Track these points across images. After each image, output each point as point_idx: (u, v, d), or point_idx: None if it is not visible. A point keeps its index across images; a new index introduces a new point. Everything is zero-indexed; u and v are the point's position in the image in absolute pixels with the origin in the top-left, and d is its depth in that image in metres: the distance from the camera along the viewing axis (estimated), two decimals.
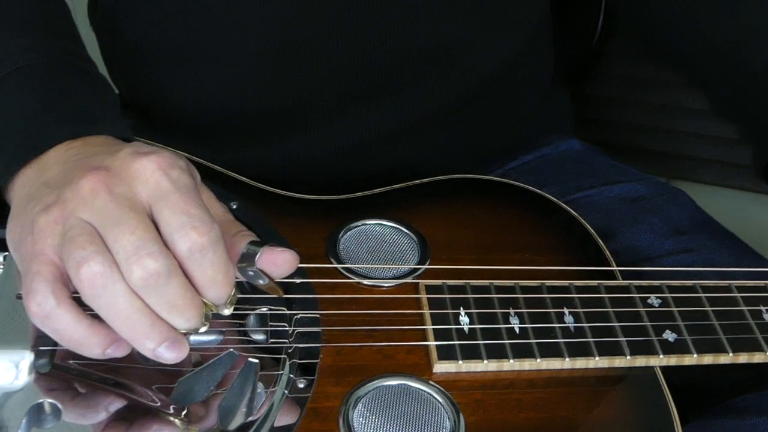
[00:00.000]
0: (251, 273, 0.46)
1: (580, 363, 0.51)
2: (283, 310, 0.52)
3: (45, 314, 0.42)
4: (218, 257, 0.43)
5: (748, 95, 0.66)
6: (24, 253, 0.44)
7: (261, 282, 0.47)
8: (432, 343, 0.51)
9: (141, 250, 0.41)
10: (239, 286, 0.53)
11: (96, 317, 0.43)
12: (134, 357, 0.49)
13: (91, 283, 0.41)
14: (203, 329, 0.45)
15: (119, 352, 0.44)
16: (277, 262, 0.46)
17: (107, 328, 0.43)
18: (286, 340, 0.51)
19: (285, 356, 0.50)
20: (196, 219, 0.42)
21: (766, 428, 0.53)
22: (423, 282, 0.55)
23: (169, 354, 0.43)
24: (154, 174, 0.43)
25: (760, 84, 0.65)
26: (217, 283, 0.43)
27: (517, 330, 0.52)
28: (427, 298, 0.54)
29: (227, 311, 0.45)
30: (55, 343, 0.48)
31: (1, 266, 0.53)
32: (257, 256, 0.46)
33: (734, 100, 0.68)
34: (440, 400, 0.49)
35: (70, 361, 0.48)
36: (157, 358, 0.43)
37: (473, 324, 0.52)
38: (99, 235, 0.42)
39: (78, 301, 0.43)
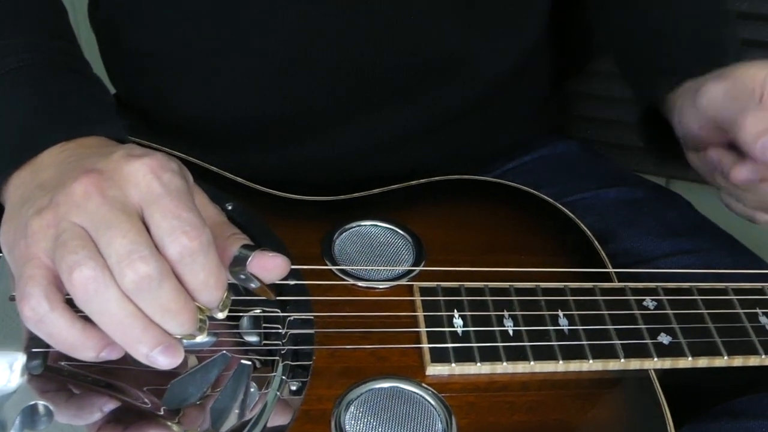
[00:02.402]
0: (243, 276, 0.46)
1: (574, 366, 0.51)
2: (277, 312, 0.52)
3: (38, 318, 0.42)
4: (209, 261, 0.43)
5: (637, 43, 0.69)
6: (17, 257, 0.44)
7: (252, 285, 0.47)
8: (425, 345, 0.51)
9: (133, 254, 0.41)
10: (232, 289, 0.53)
11: (90, 320, 0.43)
12: (127, 359, 0.49)
13: (84, 287, 0.41)
14: (200, 338, 0.44)
15: (113, 355, 0.44)
16: (268, 267, 0.46)
17: (101, 332, 0.43)
18: (280, 342, 0.51)
19: (278, 358, 0.50)
20: (187, 223, 0.42)
21: (762, 431, 0.53)
22: (417, 284, 0.55)
23: (163, 359, 0.42)
24: (146, 177, 0.43)
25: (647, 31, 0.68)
26: (208, 287, 0.43)
27: (510, 332, 0.52)
28: (421, 300, 0.54)
29: (221, 315, 0.45)
30: (48, 345, 0.48)
31: None
32: (248, 260, 0.46)
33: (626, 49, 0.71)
34: (433, 402, 0.49)
35: (63, 363, 0.48)
36: (151, 364, 0.43)
37: (467, 326, 0.52)
38: (91, 239, 0.42)
39: (71, 304, 0.43)
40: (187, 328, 0.43)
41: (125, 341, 0.42)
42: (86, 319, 0.43)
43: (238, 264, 0.46)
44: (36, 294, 0.42)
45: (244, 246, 0.46)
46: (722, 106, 0.58)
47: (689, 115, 0.62)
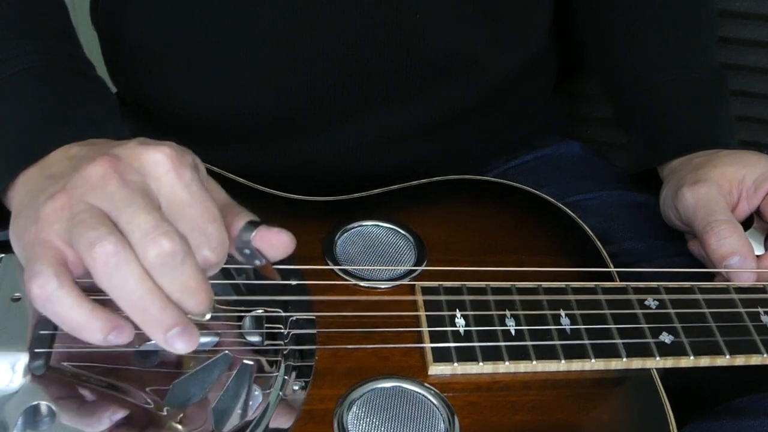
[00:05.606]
0: (247, 252, 0.46)
1: (576, 365, 0.51)
2: (279, 312, 0.52)
3: (47, 296, 0.41)
4: (220, 266, 0.44)
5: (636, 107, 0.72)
6: (27, 241, 0.43)
7: (257, 262, 0.46)
8: (427, 345, 0.51)
9: (158, 229, 0.41)
10: (235, 288, 0.53)
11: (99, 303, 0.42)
12: (131, 358, 0.49)
13: (105, 262, 0.40)
14: (207, 319, 0.44)
15: (121, 339, 0.42)
16: (273, 242, 0.46)
17: (109, 313, 0.42)
18: (282, 342, 0.51)
19: (280, 358, 0.50)
20: (213, 239, 0.42)
21: (763, 430, 0.53)
22: (419, 284, 0.55)
23: (180, 341, 0.42)
24: (168, 174, 0.43)
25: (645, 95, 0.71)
26: (195, 291, 0.43)
27: (512, 332, 0.52)
28: (423, 299, 0.54)
29: (208, 316, 0.45)
30: (51, 346, 0.48)
31: None
32: (252, 234, 0.45)
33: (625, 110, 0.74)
34: (435, 402, 0.49)
35: (65, 364, 0.48)
36: (169, 347, 0.42)
37: (469, 326, 0.52)
38: (109, 219, 0.42)
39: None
40: (204, 309, 0.42)
41: (143, 319, 0.41)
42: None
43: (243, 239, 0.45)
44: (45, 272, 0.41)
45: (250, 222, 0.46)
46: (693, 216, 0.61)
47: (670, 211, 0.65)
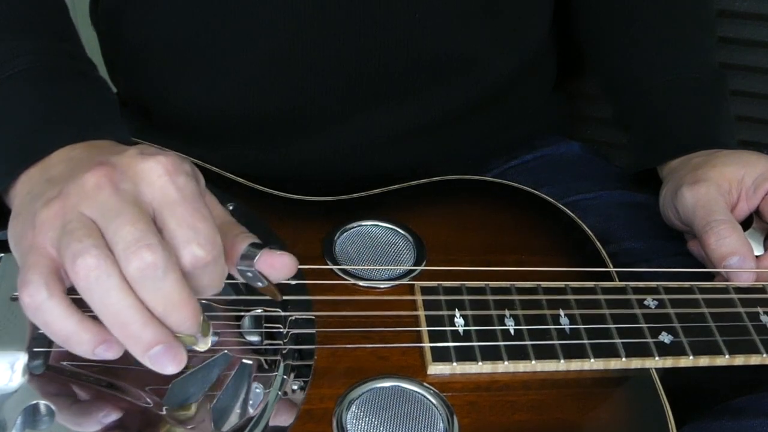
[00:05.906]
0: (250, 275, 0.46)
1: (575, 365, 0.51)
2: (278, 312, 0.52)
3: (36, 306, 0.41)
4: (217, 271, 0.43)
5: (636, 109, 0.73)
6: (24, 247, 0.44)
7: (260, 284, 0.46)
8: (426, 344, 0.51)
9: (140, 241, 0.40)
10: (234, 287, 0.53)
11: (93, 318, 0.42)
12: (130, 357, 0.49)
13: (86, 276, 0.40)
14: (203, 344, 0.44)
15: (110, 354, 0.43)
16: (276, 265, 0.46)
17: (98, 326, 0.42)
18: (281, 342, 0.51)
19: (279, 357, 0.50)
20: (202, 235, 0.42)
21: (763, 430, 0.52)
22: (418, 283, 0.55)
23: (163, 360, 0.41)
24: (161, 178, 0.42)
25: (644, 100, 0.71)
26: (179, 306, 0.42)
27: (512, 331, 0.52)
28: (423, 299, 0.54)
29: (203, 346, 0.44)
30: (50, 345, 0.48)
31: None
32: (256, 258, 0.46)
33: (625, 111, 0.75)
34: (434, 401, 0.49)
35: (64, 363, 0.48)
36: (153, 365, 0.41)
37: (468, 325, 0.52)
38: (99, 230, 0.41)
39: (81, 305, 0.42)
40: (189, 326, 0.42)
41: (124, 335, 0.41)
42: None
43: (245, 261, 0.45)
44: (35, 281, 0.41)
45: (253, 244, 0.46)
46: (692, 216, 0.61)
47: (669, 211, 0.65)
